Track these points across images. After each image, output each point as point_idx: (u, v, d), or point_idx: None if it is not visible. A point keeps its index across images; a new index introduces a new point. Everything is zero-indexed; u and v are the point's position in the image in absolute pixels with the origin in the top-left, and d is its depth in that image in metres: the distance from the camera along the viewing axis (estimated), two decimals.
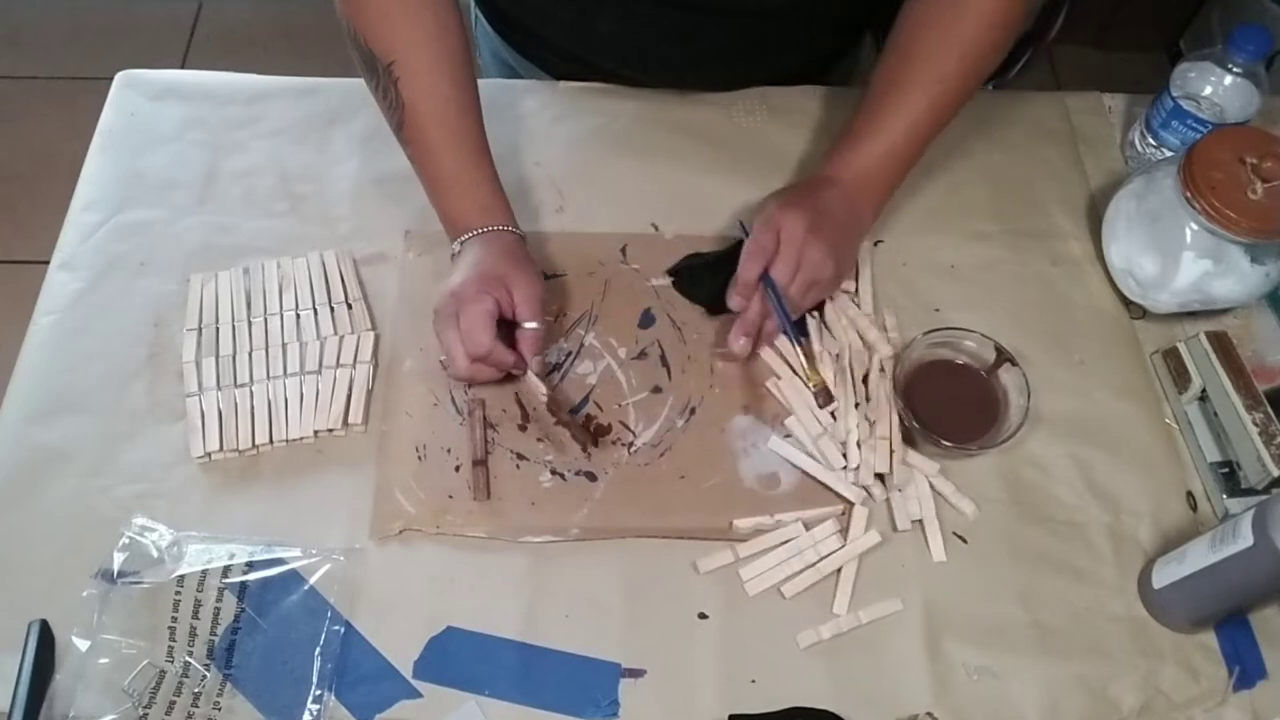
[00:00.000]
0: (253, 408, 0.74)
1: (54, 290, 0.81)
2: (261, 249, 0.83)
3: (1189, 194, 0.73)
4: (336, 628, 0.67)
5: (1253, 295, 0.76)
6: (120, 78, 0.94)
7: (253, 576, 0.68)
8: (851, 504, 0.72)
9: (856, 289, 0.82)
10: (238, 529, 0.71)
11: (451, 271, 0.74)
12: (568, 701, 0.65)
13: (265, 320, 0.79)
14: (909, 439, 0.74)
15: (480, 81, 0.77)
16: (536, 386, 0.73)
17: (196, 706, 0.64)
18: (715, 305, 0.79)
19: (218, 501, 0.72)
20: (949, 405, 0.74)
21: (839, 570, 0.69)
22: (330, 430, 0.74)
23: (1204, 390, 0.75)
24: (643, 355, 0.79)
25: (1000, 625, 0.68)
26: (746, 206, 0.83)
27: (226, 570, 0.68)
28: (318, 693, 0.64)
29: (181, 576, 0.67)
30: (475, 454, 0.73)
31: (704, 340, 0.79)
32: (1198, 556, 0.64)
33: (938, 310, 0.81)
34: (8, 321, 0.94)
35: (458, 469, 0.73)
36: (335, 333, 0.78)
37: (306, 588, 0.68)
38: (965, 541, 0.72)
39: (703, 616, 0.68)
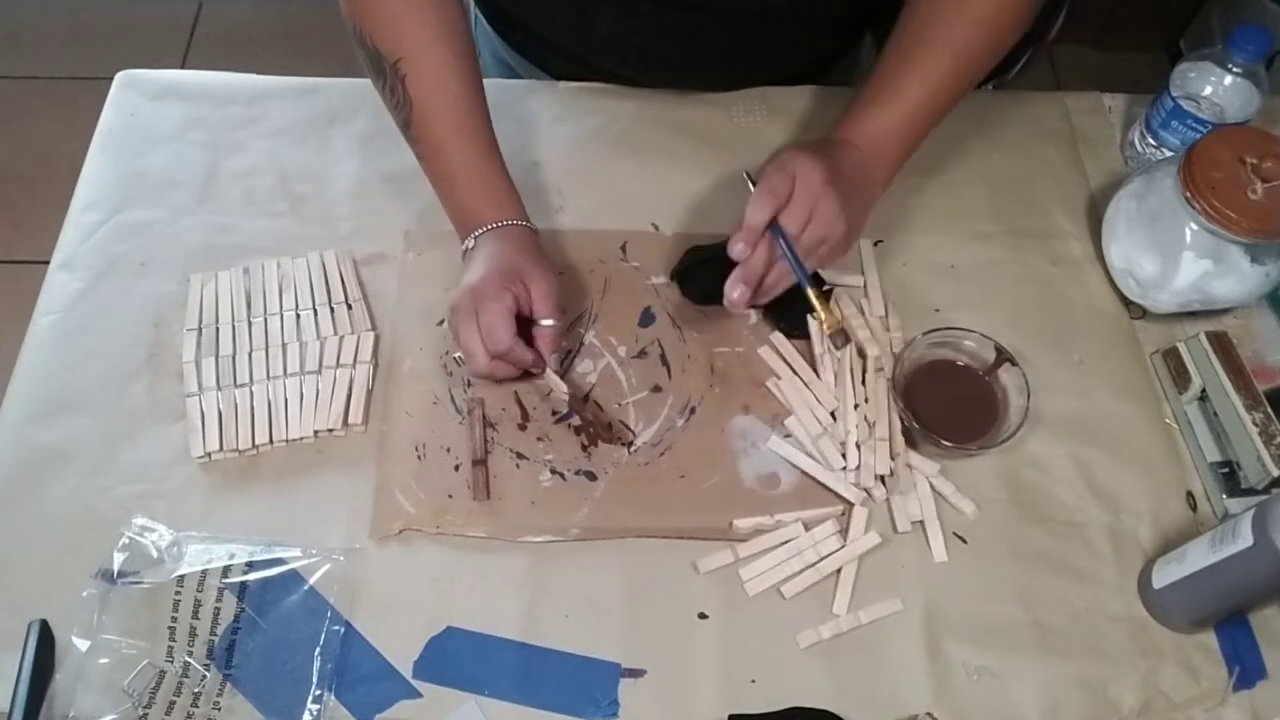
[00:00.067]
0: (253, 408, 0.74)
1: (54, 290, 0.81)
2: (261, 249, 0.83)
3: (1189, 194, 0.73)
4: (336, 628, 0.67)
5: (1253, 295, 0.76)
6: (120, 78, 0.94)
7: (253, 576, 0.68)
8: (851, 504, 0.72)
9: (865, 288, 0.82)
10: (238, 529, 0.71)
11: (466, 268, 0.73)
12: (568, 701, 0.65)
13: (265, 320, 0.79)
14: (909, 439, 0.74)
15: None
16: (557, 385, 0.73)
17: (196, 706, 0.64)
18: (710, 301, 0.79)
19: (218, 501, 0.72)
20: (949, 405, 0.74)
21: (839, 570, 0.69)
22: (330, 430, 0.74)
23: (1204, 390, 0.75)
24: (643, 354, 0.79)
25: (1000, 625, 0.68)
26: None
27: (226, 570, 0.68)
28: (318, 693, 0.64)
29: (181, 576, 0.67)
30: (475, 453, 0.73)
31: (704, 339, 0.79)
32: (1198, 556, 0.64)
33: (938, 310, 0.81)
34: (8, 321, 0.94)
35: (457, 468, 0.73)
36: (335, 333, 0.78)
37: (306, 588, 0.68)
38: (965, 542, 0.72)
39: (703, 616, 0.68)
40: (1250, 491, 0.71)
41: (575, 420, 0.75)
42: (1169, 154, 0.86)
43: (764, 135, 0.91)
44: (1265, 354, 0.79)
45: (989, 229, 0.86)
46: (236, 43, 2.11)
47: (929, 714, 0.65)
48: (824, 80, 0.95)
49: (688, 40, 0.86)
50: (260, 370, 0.76)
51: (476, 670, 0.66)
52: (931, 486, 0.73)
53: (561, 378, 0.74)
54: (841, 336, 0.72)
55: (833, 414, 0.75)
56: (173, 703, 0.64)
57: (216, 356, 0.77)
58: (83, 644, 0.65)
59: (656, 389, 0.77)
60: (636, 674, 0.66)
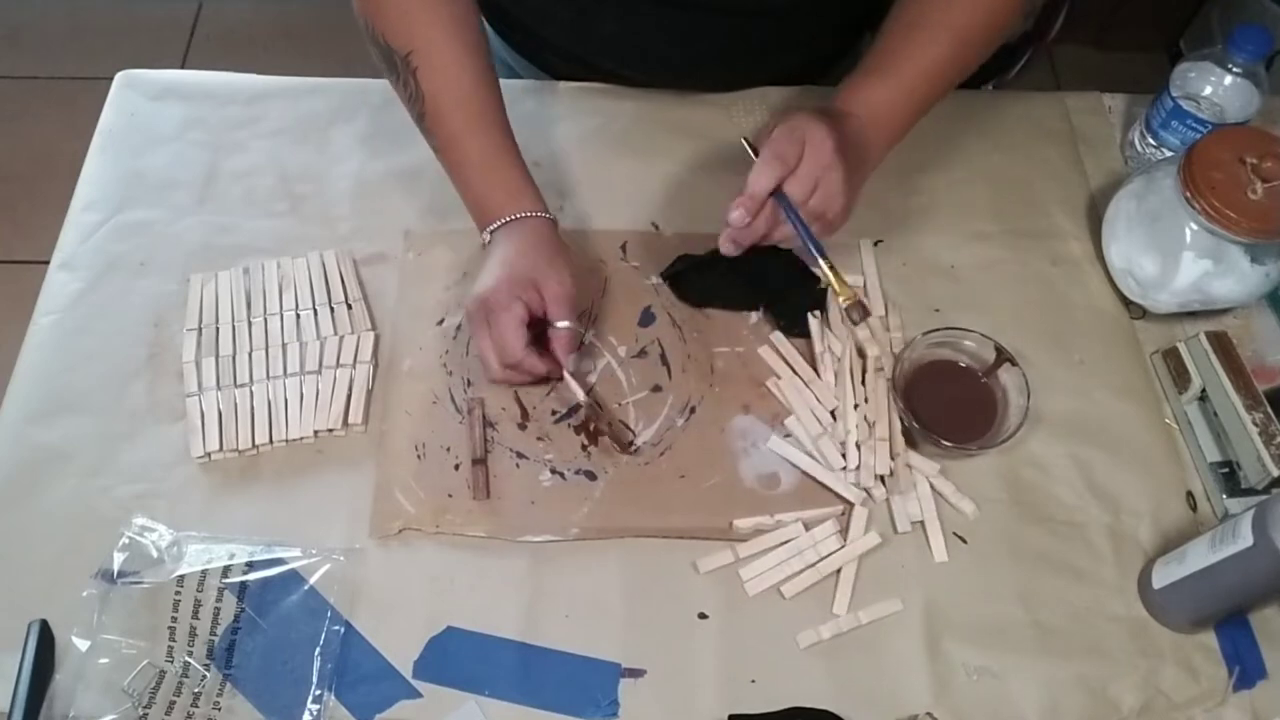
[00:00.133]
0: (253, 408, 0.74)
1: (54, 290, 0.81)
2: (261, 249, 0.83)
3: (1189, 194, 0.73)
4: (336, 628, 0.67)
5: (1253, 295, 0.76)
6: (120, 78, 0.94)
7: (253, 576, 0.68)
8: (851, 504, 0.72)
9: (865, 288, 0.82)
10: (238, 529, 0.71)
11: (481, 268, 0.73)
12: (568, 701, 0.65)
13: (265, 320, 0.79)
14: (909, 439, 0.74)
15: None
16: (575, 390, 0.73)
17: (196, 706, 0.64)
18: (708, 302, 0.80)
19: (218, 501, 0.72)
20: (949, 405, 0.74)
21: (839, 570, 0.69)
22: (330, 430, 0.74)
23: (1204, 390, 0.75)
24: (643, 354, 0.79)
25: (1000, 625, 0.68)
26: None
27: (226, 570, 0.68)
28: (318, 693, 0.64)
29: (181, 576, 0.67)
30: (475, 453, 0.73)
31: (704, 339, 0.79)
32: (1198, 557, 0.64)
33: (938, 310, 0.81)
34: (8, 321, 0.94)
35: (457, 468, 0.73)
36: (335, 333, 0.78)
37: (306, 588, 0.68)
38: (965, 542, 0.72)
39: (703, 616, 0.68)
40: (1250, 491, 0.71)
41: (575, 420, 0.75)
42: (1169, 154, 0.86)
43: None
44: (1265, 354, 0.79)
45: (989, 229, 0.86)
46: (236, 43, 2.11)
47: (929, 714, 0.65)
48: (824, 80, 0.95)
49: (688, 40, 0.86)
50: (260, 370, 0.76)
51: (476, 670, 0.66)
52: (931, 486, 0.73)
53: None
54: (859, 309, 0.69)
55: (833, 414, 0.75)
56: (173, 703, 0.64)
57: (216, 356, 0.77)
58: (83, 644, 0.65)
59: (656, 389, 0.77)
60: (636, 674, 0.66)
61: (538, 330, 0.72)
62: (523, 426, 0.75)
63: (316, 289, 0.80)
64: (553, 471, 0.73)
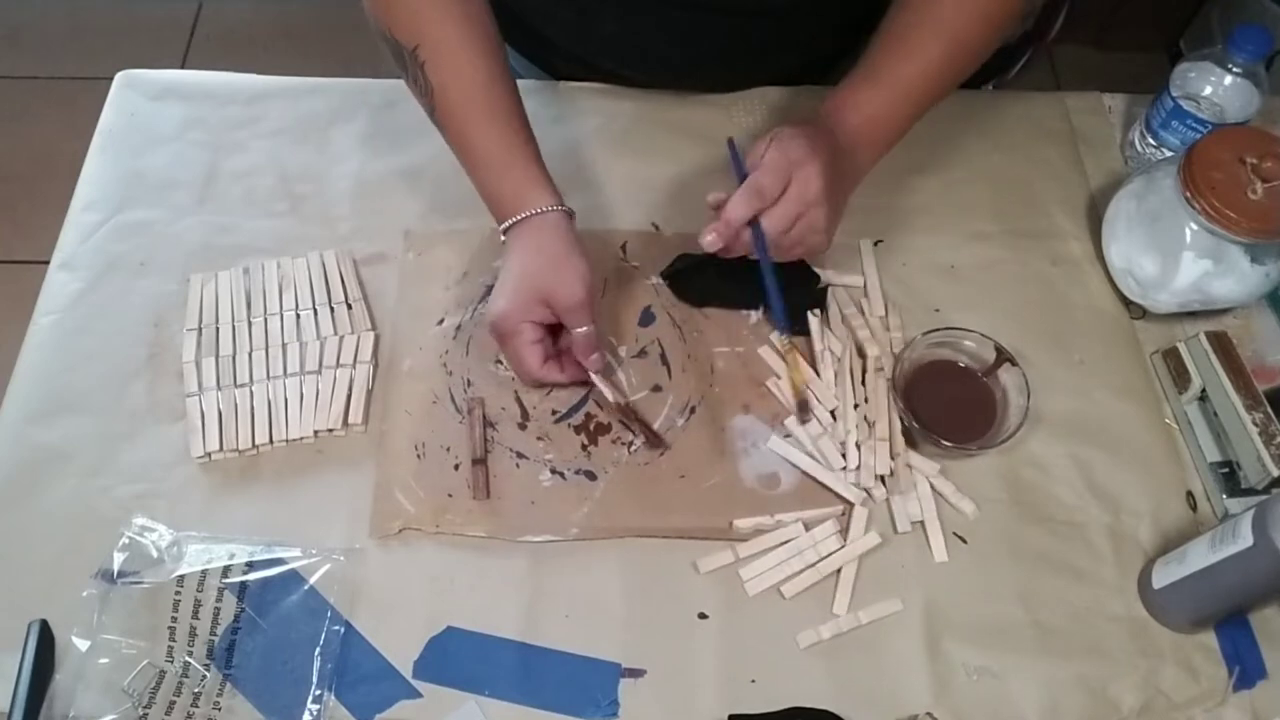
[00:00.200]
0: (253, 408, 0.74)
1: (54, 290, 0.81)
2: (261, 249, 0.83)
3: (1189, 194, 0.73)
4: (336, 628, 0.67)
5: (1253, 295, 0.76)
6: (120, 78, 0.94)
7: (253, 576, 0.68)
8: (851, 504, 0.72)
9: (865, 288, 0.82)
10: (238, 529, 0.71)
11: (497, 280, 0.72)
12: (568, 701, 0.65)
13: (265, 320, 0.79)
14: (909, 439, 0.74)
15: None
16: (606, 392, 0.73)
17: (196, 706, 0.64)
18: (708, 301, 0.80)
19: (218, 501, 0.72)
20: (949, 405, 0.74)
21: (839, 570, 0.69)
22: (330, 430, 0.74)
23: (1204, 390, 0.75)
24: (643, 354, 0.79)
25: (1000, 625, 0.68)
26: None
27: (226, 570, 0.68)
28: (318, 693, 0.64)
29: (181, 576, 0.67)
30: (474, 452, 0.73)
31: (704, 339, 0.79)
32: (1198, 557, 0.64)
33: (938, 310, 0.81)
34: (8, 321, 0.94)
35: (457, 468, 0.73)
36: (335, 333, 0.78)
37: (306, 588, 0.68)
38: (965, 542, 0.72)
39: (703, 616, 0.68)
40: (1250, 491, 0.71)
41: (576, 420, 0.75)
42: (1169, 154, 0.86)
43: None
44: (1265, 354, 0.79)
45: (989, 229, 0.86)
46: (236, 43, 2.11)
47: (929, 714, 0.65)
48: (824, 81, 0.95)
49: (688, 40, 0.86)
50: (260, 370, 0.76)
51: (476, 670, 0.66)
52: (931, 486, 0.73)
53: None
54: (803, 410, 0.70)
55: (833, 414, 0.75)
56: (173, 703, 0.64)
57: (216, 356, 0.77)
58: (83, 644, 0.65)
59: (656, 389, 0.77)
60: (636, 674, 0.66)
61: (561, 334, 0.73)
62: (523, 426, 0.75)
63: (316, 289, 0.80)
64: (553, 471, 0.73)
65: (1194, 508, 0.73)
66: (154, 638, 0.66)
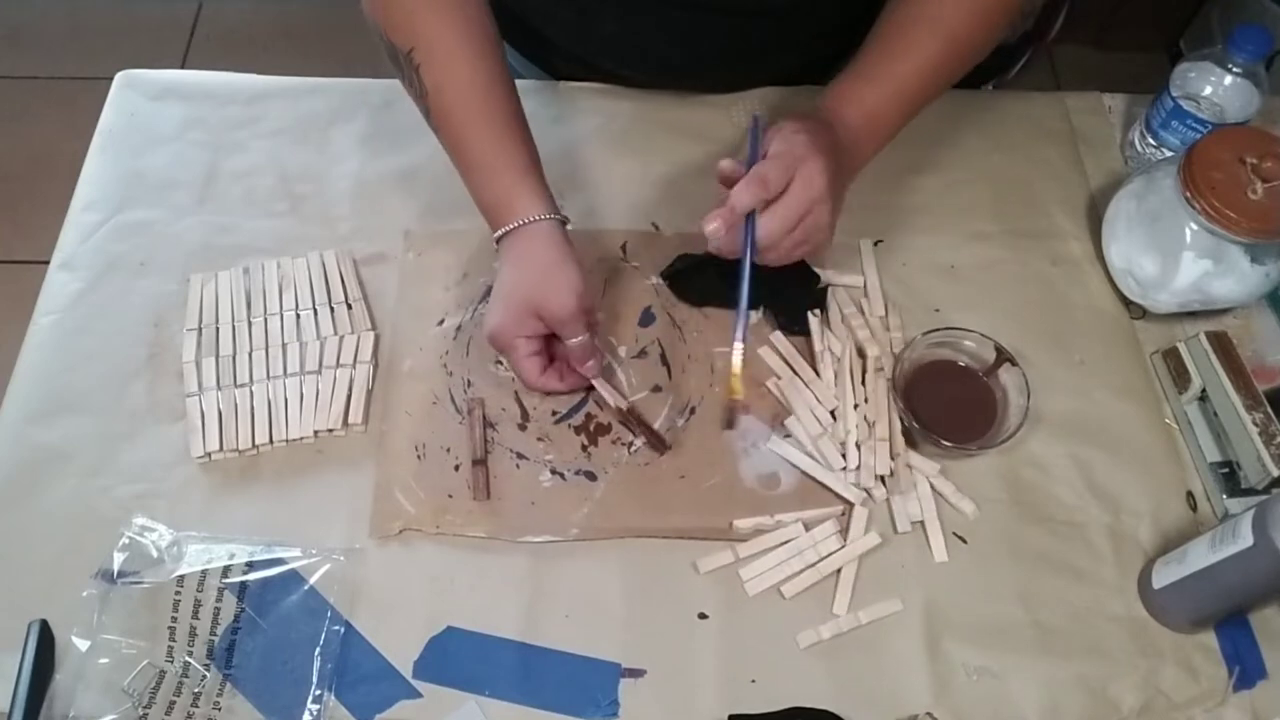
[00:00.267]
0: (253, 408, 0.74)
1: (54, 290, 0.81)
2: (261, 249, 0.83)
3: (1189, 194, 0.73)
4: (336, 628, 0.67)
5: (1253, 295, 0.76)
6: (120, 78, 0.94)
7: (253, 576, 0.68)
8: (851, 504, 0.72)
9: (865, 288, 0.82)
10: (238, 529, 0.71)
11: (493, 294, 0.72)
12: (568, 701, 0.65)
13: (265, 320, 0.79)
14: (909, 439, 0.74)
15: None
16: (608, 397, 0.73)
17: (196, 706, 0.64)
18: (708, 301, 0.80)
19: (218, 501, 0.72)
20: (949, 405, 0.74)
21: (839, 570, 0.69)
22: (330, 430, 0.74)
23: (1204, 390, 0.75)
24: (643, 354, 0.79)
25: (1000, 625, 0.68)
26: None
27: (226, 570, 0.68)
28: (318, 693, 0.64)
29: (181, 576, 0.67)
30: (475, 453, 0.73)
31: (704, 339, 0.79)
32: (1198, 557, 0.64)
33: (938, 310, 0.81)
34: (8, 321, 0.94)
35: (457, 468, 0.73)
36: (335, 333, 0.78)
37: (306, 588, 0.68)
38: (965, 541, 0.72)
39: (703, 616, 0.68)
40: (1250, 491, 0.71)
41: (576, 420, 0.75)
42: (1169, 154, 0.86)
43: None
44: (1265, 354, 0.79)
45: (989, 229, 0.86)
46: (236, 43, 2.11)
47: (929, 714, 0.65)
48: (824, 81, 0.94)
49: (688, 40, 0.86)
50: (260, 370, 0.76)
51: (476, 670, 0.66)
52: (931, 486, 0.73)
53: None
54: (730, 416, 0.71)
55: (833, 414, 0.75)
56: (173, 703, 0.64)
57: (216, 356, 0.77)
58: (83, 644, 0.65)
59: (656, 389, 0.77)
60: (636, 674, 0.66)
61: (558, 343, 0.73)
62: (523, 427, 0.75)
63: (316, 289, 0.80)
64: (553, 472, 0.73)
65: (1194, 508, 0.73)
66: (154, 638, 0.66)
